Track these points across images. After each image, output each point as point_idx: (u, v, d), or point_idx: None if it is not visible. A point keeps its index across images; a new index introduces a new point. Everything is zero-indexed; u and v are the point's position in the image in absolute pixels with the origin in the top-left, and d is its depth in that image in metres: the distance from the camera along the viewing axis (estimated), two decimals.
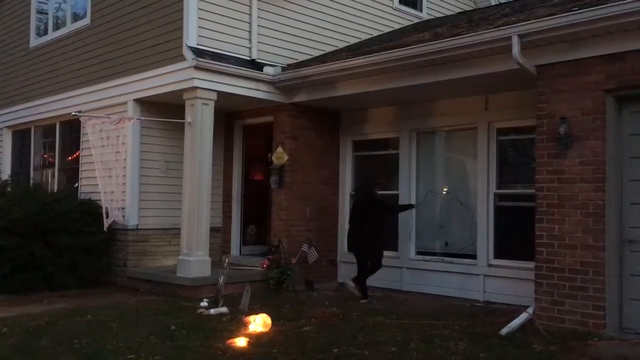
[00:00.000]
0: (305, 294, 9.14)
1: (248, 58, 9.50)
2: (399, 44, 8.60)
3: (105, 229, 8.96)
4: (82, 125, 9.99)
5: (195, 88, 8.78)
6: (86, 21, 11.02)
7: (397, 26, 11.77)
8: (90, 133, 8.98)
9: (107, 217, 8.90)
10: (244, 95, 9.38)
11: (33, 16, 12.72)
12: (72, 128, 11.28)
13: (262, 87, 9.51)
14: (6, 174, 12.64)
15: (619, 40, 6.25)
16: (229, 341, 5.90)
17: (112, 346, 5.73)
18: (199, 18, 8.93)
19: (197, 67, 8.68)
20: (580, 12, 6.33)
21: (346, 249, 9.49)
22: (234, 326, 6.61)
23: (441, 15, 12.52)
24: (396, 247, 9.51)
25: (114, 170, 8.98)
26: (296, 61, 10.01)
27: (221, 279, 7.96)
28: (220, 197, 10.84)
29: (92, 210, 9.49)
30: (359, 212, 8.87)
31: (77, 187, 10.82)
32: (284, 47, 9.98)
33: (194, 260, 8.77)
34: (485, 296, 8.46)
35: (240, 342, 5.85)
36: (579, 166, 6.49)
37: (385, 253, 9.49)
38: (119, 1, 10.20)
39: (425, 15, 12.55)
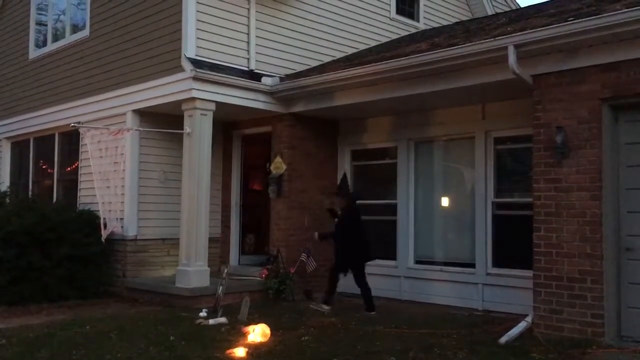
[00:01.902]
0: (304, 303, 9.13)
1: (246, 69, 9.56)
2: (396, 54, 8.66)
3: (103, 239, 8.96)
4: (81, 136, 10.02)
5: (193, 99, 8.83)
6: (85, 32, 11.08)
7: (394, 36, 11.85)
8: (89, 144, 9.01)
9: (105, 227, 8.90)
10: (242, 106, 9.43)
11: (32, 28, 12.78)
12: (71, 139, 11.30)
13: (261, 97, 9.55)
14: (5, 184, 12.65)
15: (614, 49, 6.30)
16: (228, 351, 5.90)
17: (111, 357, 5.74)
18: (198, 29, 8.99)
19: (195, 78, 8.72)
20: (575, 22, 6.38)
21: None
22: (233, 336, 6.60)
23: (438, 25, 12.59)
24: (395, 256, 9.52)
25: (112, 181, 8.99)
26: (294, 71, 10.06)
27: (220, 289, 7.96)
28: (219, 207, 10.86)
29: (91, 220, 9.51)
30: (358, 222, 8.66)
31: (76, 198, 10.83)
32: (282, 58, 10.05)
33: (193, 271, 8.77)
34: (484, 305, 8.46)
35: (240, 352, 5.85)
36: (576, 174, 6.52)
37: (384, 262, 9.52)
38: (118, 13, 10.26)
39: (422, 25, 12.63)
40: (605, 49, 6.35)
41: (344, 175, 9.53)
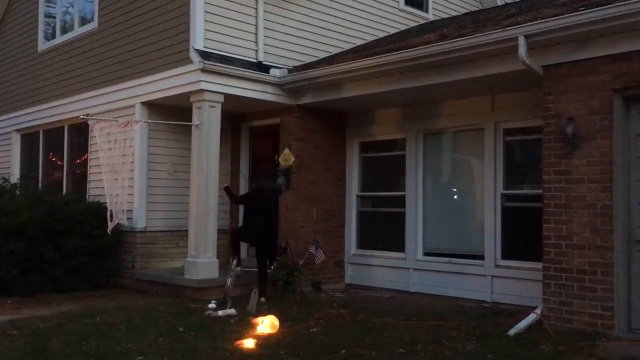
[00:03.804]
0: (313, 295, 9.16)
1: (254, 60, 9.54)
2: (405, 45, 8.61)
3: (109, 231, 8.94)
4: (90, 128, 10.04)
5: (202, 90, 8.82)
6: (94, 25, 11.09)
7: (402, 27, 11.78)
8: (98, 136, 9.03)
9: (112, 219, 8.91)
10: (250, 98, 9.41)
11: (41, 20, 12.81)
12: (80, 131, 11.33)
13: (269, 89, 9.53)
14: (15, 177, 12.71)
15: (625, 39, 6.23)
16: (237, 342, 5.92)
17: (120, 348, 5.77)
18: (206, 21, 8.97)
19: (204, 70, 8.71)
20: (586, 12, 6.33)
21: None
22: (242, 327, 6.63)
23: (447, 15, 12.51)
24: (403, 248, 9.51)
25: (120, 173, 8.98)
26: (302, 63, 10.03)
27: (229, 281, 7.98)
28: (227, 198, 10.85)
29: (100, 212, 9.51)
30: (272, 205, 9.04)
31: (86, 190, 10.88)
32: (290, 49, 10.02)
33: (202, 262, 8.80)
34: (493, 297, 8.44)
35: (249, 343, 5.88)
36: (586, 166, 6.47)
37: (393, 254, 9.51)
38: (127, 5, 10.26)
39: (431, 16, 12.55)
40: (617, 39, 6.28)
41: (275, 168, 9.75)
